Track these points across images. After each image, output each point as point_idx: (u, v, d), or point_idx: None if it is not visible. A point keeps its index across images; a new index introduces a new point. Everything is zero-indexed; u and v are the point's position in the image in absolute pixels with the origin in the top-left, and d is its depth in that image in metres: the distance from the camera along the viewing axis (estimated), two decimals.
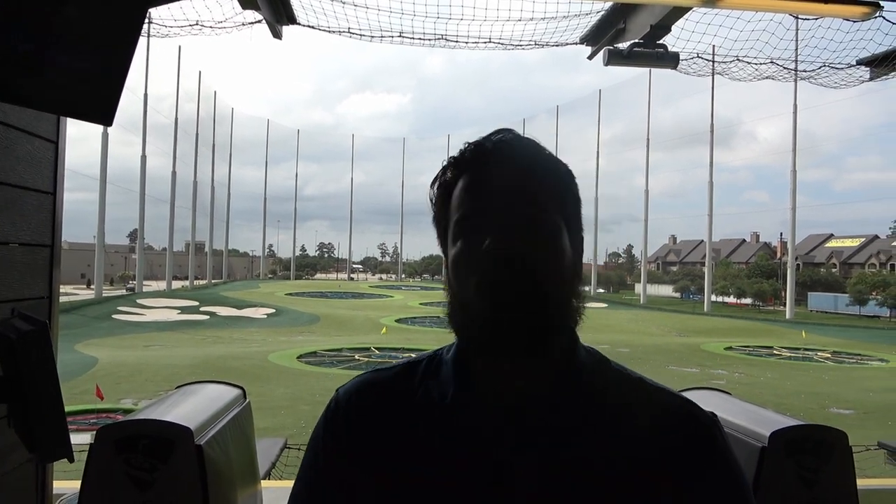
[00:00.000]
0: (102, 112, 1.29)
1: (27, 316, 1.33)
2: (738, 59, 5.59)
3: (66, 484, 3.08)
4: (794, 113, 47.27)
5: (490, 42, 5.39)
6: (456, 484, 0.78)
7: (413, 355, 0.94)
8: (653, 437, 0.79)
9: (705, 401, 3.60)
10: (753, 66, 5.55)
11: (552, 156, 0.86)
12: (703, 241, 68.09)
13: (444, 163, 0.86)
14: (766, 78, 5.51)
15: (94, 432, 2.44)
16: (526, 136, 0.85)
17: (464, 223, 0.80)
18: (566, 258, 0.81)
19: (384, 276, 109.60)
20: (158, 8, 3.89)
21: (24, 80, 1.16)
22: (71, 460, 1.19)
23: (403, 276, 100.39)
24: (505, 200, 0.79)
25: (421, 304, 47.69)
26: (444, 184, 0.85)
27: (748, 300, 55.40)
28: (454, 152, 0.87)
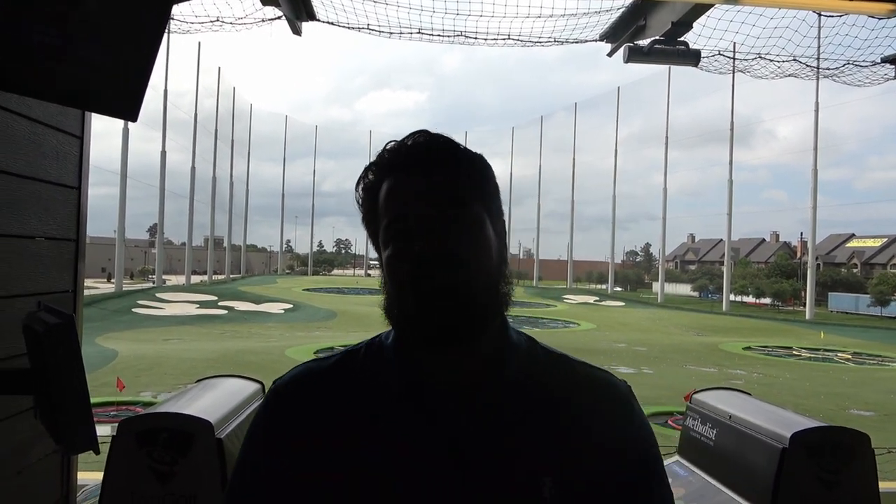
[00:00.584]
0: (127, 107, 1.31)
1: (53, 309, 1.35)
2: (760, 57, 5.51)
3: (87, 475, 3.12)
4: (816, 111, 46.58)
5: (509, 39, 5.37)
6: (404, 463, 0.82)
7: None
8: (578, 404, 0.87)
9: (725, 401, 3.58)
10: (776, 63, 5.48)
11: (467, 150, 0.90)
12: (721, 239, 67.49)
13: (366, 166, 0.90)
14: (789, 76, 5.44)
15: (116, 424, 2.47)
16: (436, 133, 0.89)
17: (392, 228, 0.84)
18: (491, 248, 0.86)
19: None
20: (180, 4, 3.92)
21: (50, 76, 1.17)
22: (97, 452, 1.21)
23: None
24: (428, 201, 0.83)
25: None
26: (368, 187, 0.89)
27: (767, 300, 54.75)
28: (381, 153, 0.90)
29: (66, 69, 1.18)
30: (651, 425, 0.93)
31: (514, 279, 0.91)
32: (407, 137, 0.88)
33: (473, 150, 0.91)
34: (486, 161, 0.92)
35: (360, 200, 0.90)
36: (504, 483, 0.81)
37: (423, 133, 0.88)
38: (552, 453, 0.83)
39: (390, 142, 0.89)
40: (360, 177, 0.90)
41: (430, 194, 0.83)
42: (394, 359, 0.88)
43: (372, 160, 0.89)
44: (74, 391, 1.20)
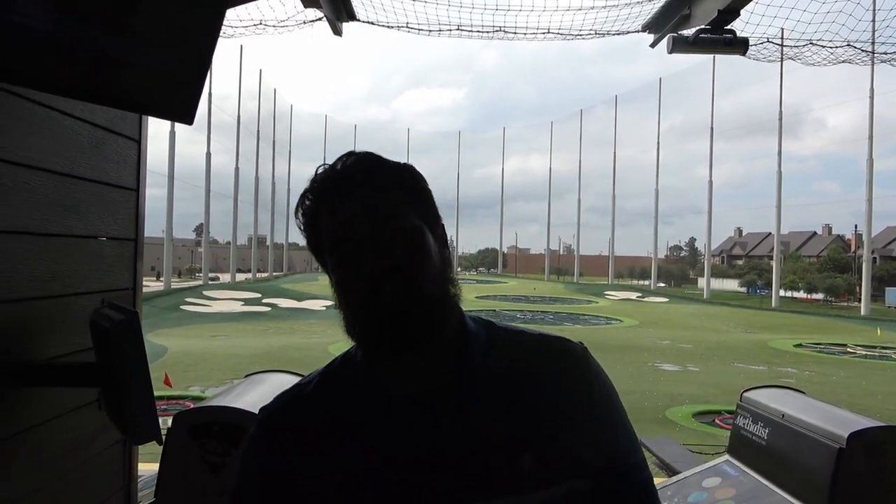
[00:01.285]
0: (184, 111, 1.35)
1: (117, 306, 1.41)
2: (811, 43, 5.35)
3: (142, 466, 3.23)
4: (871, 98, 44.82)
5: (549, 33, 5.33)
6: (386, 475, 0.85)
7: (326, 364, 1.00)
8: (538, 375, 0.90)
9: (778, 399, 3.50)
10: (828, 49, 5.30)
11: (395, 164, 0.93)
12: (770, 233, 65.64)
13: (303, 192, 0.92)
14: (843, 62, 5.26)
15: (171, 418, 2.55)
16: (363, 151, 0.92)
17: (338, 251, 0.87)
18: (433, 254, 0.89)
19: None
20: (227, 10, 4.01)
21: (112, 82, 1.21)
22: (160, 443, 1.26)
23: (459, 269, 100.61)
24: (366, 220, 0.86)
25: (477, 297, 47.72)
26: (306, 213, 0.91)
27: (819, 295, 53.07)
28: (313, 179, 0.92)
29: (126, 75, 1.23)
30: (612, 385, 0.97)
31: (458, 281, 0.94)
32: (336, 161, 0.91)
33: (401, 162, 0.94)
34: (415, 171, 0.95)
35: (301, 227, 0.92)
36: (483, 471, 0.84)
37: (350, 154, 0.91)
38: (525, 428, 0.86)
39: (321, 166, 0.92)
40: (298, 203, 0.92)
41: (367, 213, 0.86)
42: (365, 378, 0.91)
43: (306, 188, 0.91)
44: (139, 384, 1.25)
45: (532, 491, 0.84)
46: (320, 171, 0.91)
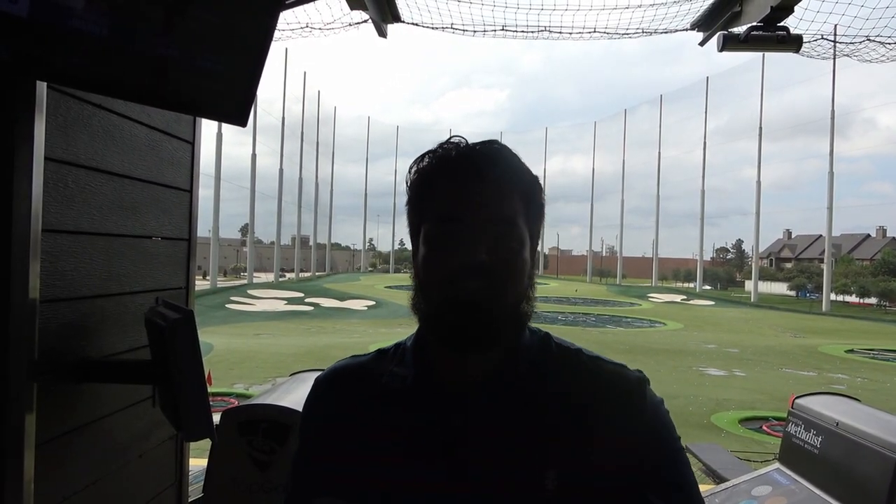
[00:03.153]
0: (238, 112, 1.37)
1: (172, 304, 1.44)
2: (868, 39, 5.16)
3: (191, 461, 3.30)
4: None
5: (595, 32, 5.27)
6: (409, 455, 0.85)
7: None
8: (584, 397, 0.87)
9: (831, 407, 3.39)
10: (886, 45, 5.10)
11: (528, 170, 0.91)
12: (821, 235, 63.67)
13: (426, 151, 0.90)
14: None
15: (219, 414, 2.60)
16: (504, 145, 0.90)
17: (441, 225, 0.85)
18: (525, 270, 0.87)
19: None
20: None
21: (167, 84, 1.24)
22: (214, 440, 1.28)
23: None
24: (482, 211, 0.84)
25: None
26: (424, 173, 0.89)
27: (873, 300, 51.20)
28: (445, 143, 0.90)
29: (182, 78, 1.25)
30: (670, 416, 0.90)
31: (535, 300, 0.93)
32: (477, 143, 0.89)
33: (529, 170, 0.92)
34: (537, 181, 0.93)
35: (410, 183, 0.90)
36: (503, 479, 0.82)
37: (493, 142, 0.89)
38: (556, 447, 0.83)
39: (456, 136, 0.90)
40: (417, 160, 0.90)
41: (486, 205, 0.84)
42: (411, 360, 0.92)
43: (431, 149, 0.90)
44: (194, 382, 1.27)
45: None
46: (455, 139, 0.89)
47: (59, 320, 1.42)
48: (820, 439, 3.25)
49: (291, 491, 0.96)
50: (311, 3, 4.78)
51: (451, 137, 0.90)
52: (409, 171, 0.91)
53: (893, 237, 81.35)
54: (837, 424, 3.15)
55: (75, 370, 1.48)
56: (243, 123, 1.36)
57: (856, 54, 5.22)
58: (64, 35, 1.06)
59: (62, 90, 1.40)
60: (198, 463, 3.34)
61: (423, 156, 0.90)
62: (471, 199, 0.84)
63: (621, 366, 0.92)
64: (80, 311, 1.51)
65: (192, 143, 1.99)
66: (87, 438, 1.54)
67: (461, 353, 0.86)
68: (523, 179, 0.89)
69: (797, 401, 3.59)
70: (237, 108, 1.35)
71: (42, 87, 1.29)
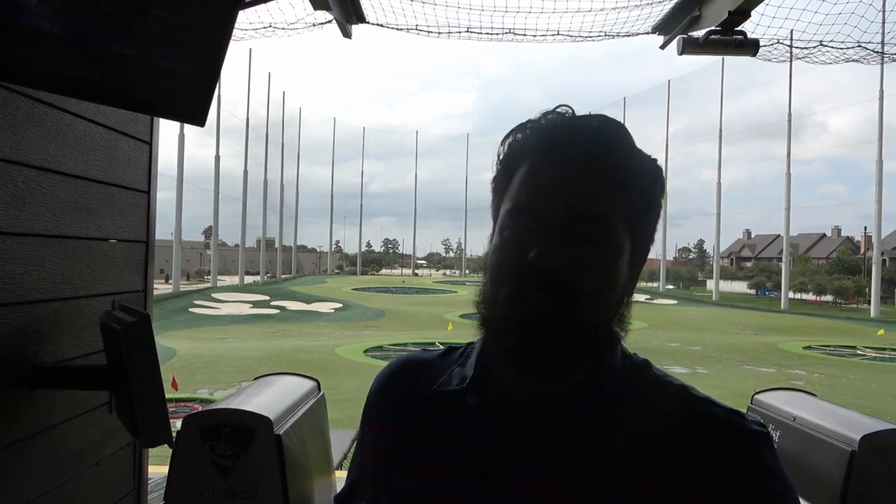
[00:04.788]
0: (196, 112, 1.35)
1: (129, 308, 1.41)
2: (821, 44, 5.32)
3: (151, 469, 3.24)
4: (881, 99, 44.48)
5: (558, 35, 5.32)
6: (451, 464, 0.75)
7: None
8: (685, 442, 0.69)
9: (789, 402, 3.47)
10: (839, 49, 5.27)
11: (643, 156, 0.74)
12: (779, 235, 65.37)
13: (524, 123, 0.76)
14: (854, 61, 5.23)
15: (180, 420, 2.56)
16: (615, 121, 0.73)
17: (515, 217, 0.72)
18: (619, 282, 0.72)
19: (448, 272, 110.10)
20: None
21: (122, 83, 1.21)
22: (171, 446, 1.25)
23: (468, 271, 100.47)
24: (567, 208, 0.69)
25: None
26: (515, 147, 0.75)
27: (829, 297, 52.76)
28: (545, 116, 0.75)
29: (138, 77, 1.23)
30: (793, 491, 0.70)
31: (629, 320, 0.76)
32: (581, 116, 0.73)
33: (654, 159, 0.75)
34: (659, 173, 0.75)
35: (500, 158, 0.76)
36: None
37: (593, 117, 0.73)
38: (624, 493, 0.68)
39: (562, 105, 0.75)
40: (512, 131, 0.76)
41: (573, 199, 0.69)
42: (474, 363, 0.80)
43: (531, 119, 0.75)
44: (151, 387, 1.25)
45: None
46: (561, 109, 0.74)
47: (9, 325, 1.38)
48: (778, 434, 3.33)
49: (356, 476, 0.91)
50: (274, 2, 4.73)
51: (557, 107, 0.75)
52: (503, 144, 0.76)
53: (848, 237, 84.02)
54: (794, 419, 3.23)
55: (27, 376, 1.44)
56: (201, 123, 1.34)
57: (809, 58, 5.38)
58: (14, 31, 1.02)
59: (11, 88, 1.36)
60: (158, 470, 3.27)
61: (521, 126, 0.75)
62: (556, 188, 0.70)
63: (738, 413, 0.72)
64: (31, 315, 1.46)
65: (149, 143, 1.96)
66: (39, 447, 1.49)
67: (525, 377, 0.73)
68: (634, 169, 0.73)
69: (756, 396, 3.67)
70: (195, 108, 1.33)
71: None
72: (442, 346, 0.94)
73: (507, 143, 0.76)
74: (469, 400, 0.77)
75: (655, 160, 0.75)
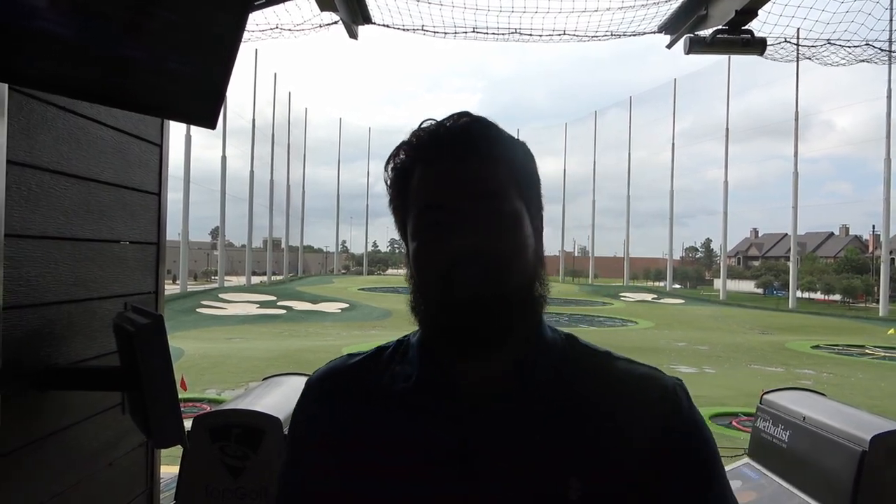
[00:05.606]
0: (206, 115, 1.35)
1: (141, 309, 1.42)
2: (829, 43, 5.29)
3: (163, 468, 3.25)
4: (889, 97, 44.22)
5: (564, 34, 5.32)
6: (417, 464, 0.78)
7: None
8: (613, 402, 0.79)
9: (798, 401, 3.47)
10: (847, 49, 5.24)
11: (511, 137, 0.83)
12: (786, 234, 65.07)
13: (400, 143, 0.83)
14: (862, 61, 5.20)
15: (190, 420, 2.57)
16: (482, 116, 0.82)
17: (424, 216, 0.78)
18: (528, 247, 0.80)
19: None
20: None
21: (131, 85, 1.22)
22: (185, 447, 1.26)
23: None
24: (464, 192, 0.77)
25: None
26: (399, 168, 0.82)
27: (837, 297, 52.47)
28: (416, 132, 0.83)
29: (149, 80, 1.24)
30: (709, 428, 0.82)
31: (547, 280, 0.84)
32: (447, 118, 0.81)
33: (518, 139, 0.84)
34: (529, 151, 0.85)
35: (389, 182, 0.83)
36: (522, 489, 0.75)
37: (464, 115, 0.81)
38: (580, 454, 0.76)
39: (427, 119, 0.82)
40: (392, 155, 0.83)
41: (465, 183, 0.77)
42: (417, 359, 0.84)
43: (405, 139, 0.82)
44: (163, 388, 1.26)
45: None
46: (426, 124, 0.82)
47: (23, 327, 1.39)
48: (788, 434, 3.32)
49: None
50: (282, 4, 4.75)
51: (422, 122, 0.83)
52: (386, 170, 0.83)
53: (856, 235, 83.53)
54: (804, 419, 3.22)
55: (41, 378, 1.44)
56: (212, 126, 1.35)
57: (817, 57, 5.35)
58: (26, 36, 1.03)
59: (25, 92, 1.37)
60: (169, 470, 3.29)
61: (397, 149, 0.83)
62: (449, 180, 0.77)
63: (655, 369, 0.84)
64: (45, 317, 1.47)
65: (160, 145, 1.97)
66: (54, 447, 1.50)
67: (472, 352, 0.78)
68: (507, 147, 0.81)
69: (765, 396, 3.66)
70: (206, 111, 1.33)
71: (3, 89, 1.26)
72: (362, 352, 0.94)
73: (390, 167, 0.83)
74: (418, 397, 0.81)
75: (524, 142, 0.85)
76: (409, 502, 0.78)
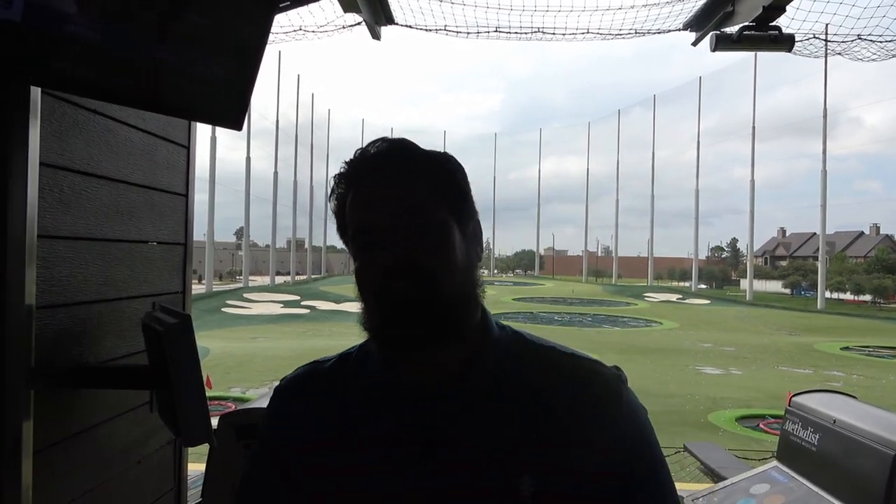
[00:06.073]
0: (233, 117, 1.36)
1: (169, 309, 1.44)
2: (859, 38, 5.18)
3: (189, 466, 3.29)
4: None
5: (588, 33, 5.28)
6: (378, 465, 0.83)
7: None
8: (558, 397, 0.85)
9: (828, 404, 3.41)
10: (878, 44, 5.13)
11: (429, 153, 0.89)
12: (815, 233, 63.97)
13: (336, 174, 0.90)
14: (894, 56, 5.08)
15: (216, 419, 2.60)
16: (398, 138, 0.89)
17: (357, 239, 0.85)
18: (457, 253, 0.85)
19: None
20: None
21: (159, 88, 1.24)
22: (213, 445, 1.27)
23: (496, 271, 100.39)
24: (388, 211, 0.83)
25: (514, 299, 47.52)
26: (337, 198, 0.89)
27: (867, 297, 51.41)
28: (346, 163, 0.89)
29: (177, 83, 1.25)
30: (646, 410, 0.89)
31: (482, 281, 0.91)
32: (369, 145, 0.89)
33: (440, 152, 0.91)
34: (453, 163, 0.91)
35: (333, 211, 0.91)
36: (479, 482, 0.80)
37: (382, 140, 0.89)
38: (531, 450, 0.81)
39: (357, 150, 0.90)
40: (332, 188, 0.91)
41: (389, 204, 0.83)
42: (379, 366, 0.90)
43: (339, 170, 0.90)
44: (191, 386, 1.27)
45: None
46: (356, 154, 0.89)
47: (55, 326, 1.42)
48: (817, 437, 3.26)
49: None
50: (305, 7, 4.79)
51: (355, 152, 0.90)
52: (329, 201, 0.91)
53: (887, 234, 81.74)
54: (835, 422, 3.16)
55: (72, 376, 1.47)
56: (238, 127, 1.36)
57: (847, 53, 5.25)
58: (58, 40, 1.05)
59: (57, 95, 1.40)
60: (196, 468, 3.33)
61: (333, 179, 0.90)
62: (372, 201, 0.84)
63: (597, 362, 0.90)
64: (76, 316, 1.50)
65: (187, 147, 1.99)
66: (85, 444, 1.53)
67: (414, 353, 0.85)
68: (428, 165, 0.88)
69: (794, 398, 3.60)
70: (232, 112, 1.35)
71: (37, 93, 1.29)
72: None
73: (332, 195, 0.90)
74: (380, 397, 0.87)
75: (446, 153, 0.91)
76: (371, 500, 0.83)
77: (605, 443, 0.83)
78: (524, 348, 0.91)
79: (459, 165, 0.92)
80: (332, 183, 0.91)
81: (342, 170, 0.89)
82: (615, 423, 0.84)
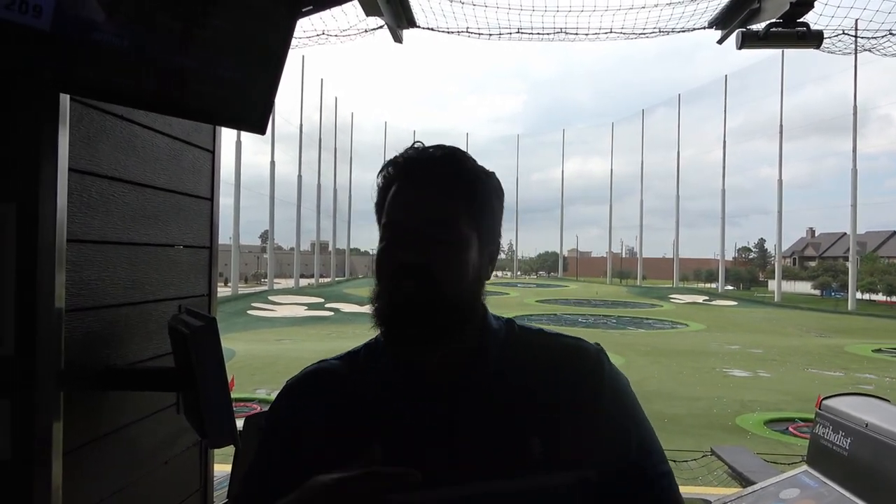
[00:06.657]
0: (257, 121, 1.38)
1: (195, 312, 1.45)
2: (890, 33, 5.07)
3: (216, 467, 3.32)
4: None
5: (612, 32, 5.25)
6: (399, 436, 0.89)
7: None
8: (552, 372, 0.94)
9: (859, 408, 3.33)
10: None
11: (479, 172, 0.96)
12: (845, 233, 62.73)
13: (393, 157, 0.96)
14: None
15: (242, 420, 2.62)
16: (453, 147, 0.96)
17: (385, 229, 0.92)
18: (469, 269, 0.92)
19: (499, 274, 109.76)
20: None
21: (184, 93, 1.25)
22: (238, 447, 1.28)
23: (519, 272, 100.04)
24: (419, 218, 0.90)
25: (538, 301, 47.31)
26: (384, 179, 0.96)
27: None
28: (404, 152, 0.96)
29: (201, 87, 1.26)
30: (627, 379, 1.00)
31: (485, 294, 0.98)
32: (429, 147, 0.95)
33: (485, 170, 0.97)
34: (494, 182, 0.98)
35: (377, 188, 0.97)
36: (495, 453, 0.88)
37: (439, 147, 0.95)
38: (536, 419, 0.91)
39: (417, 142, 0.96)
40: (383, 166, 0.97)
41: (422, 211, 0.90)
42: (389, 359, 0.95)
43: (397, 155, 0.96)
44: (217, 388, 1.28)
45: (540, 475, 0.88)
46: (414, 149, 0.95)
47: (84, 329, 1.44)
48: (849, 441, 3.19)
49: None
50: (328, 11, 4.82)
51: (412, 143, 0.96)
52: (378, 177, 0.97)
53: None
54: (867, 426, 3.09)
55: (101, 378, 1.49)
56: (262, 131, 1.37)
57: (877, 49, 5.14)
58: (86, 48, 1.07)
59: (85, 102, 1.42)
60: (223, 469, 3.37)
61: (387, 163, 0.96)
62: (410, 203, 0.91)
63: (580, 339, 1.01)
64: (105, 319, 1.52)
65: (212, 151, 2.01)
66: (113, 446, 1.55)
67: (419, 350, 0.91)
68: (469, 184, 0.93)
69: (825, 402, 3.53)
70: (256, 117, 1.36)
71: (65, 100, 1.31)
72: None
73: (381, 175, 0.97)
74: (396, 382, 0.93)
75: (492, 173, 0.98)
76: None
77: (595, 405, 0.93)
78: (517, 334, 1.00)
79: (499, 186, 0.99)
80: (384, 164, 0.97)
81: (397, 157, 0.95)
82: (601, 388, 0.95)
